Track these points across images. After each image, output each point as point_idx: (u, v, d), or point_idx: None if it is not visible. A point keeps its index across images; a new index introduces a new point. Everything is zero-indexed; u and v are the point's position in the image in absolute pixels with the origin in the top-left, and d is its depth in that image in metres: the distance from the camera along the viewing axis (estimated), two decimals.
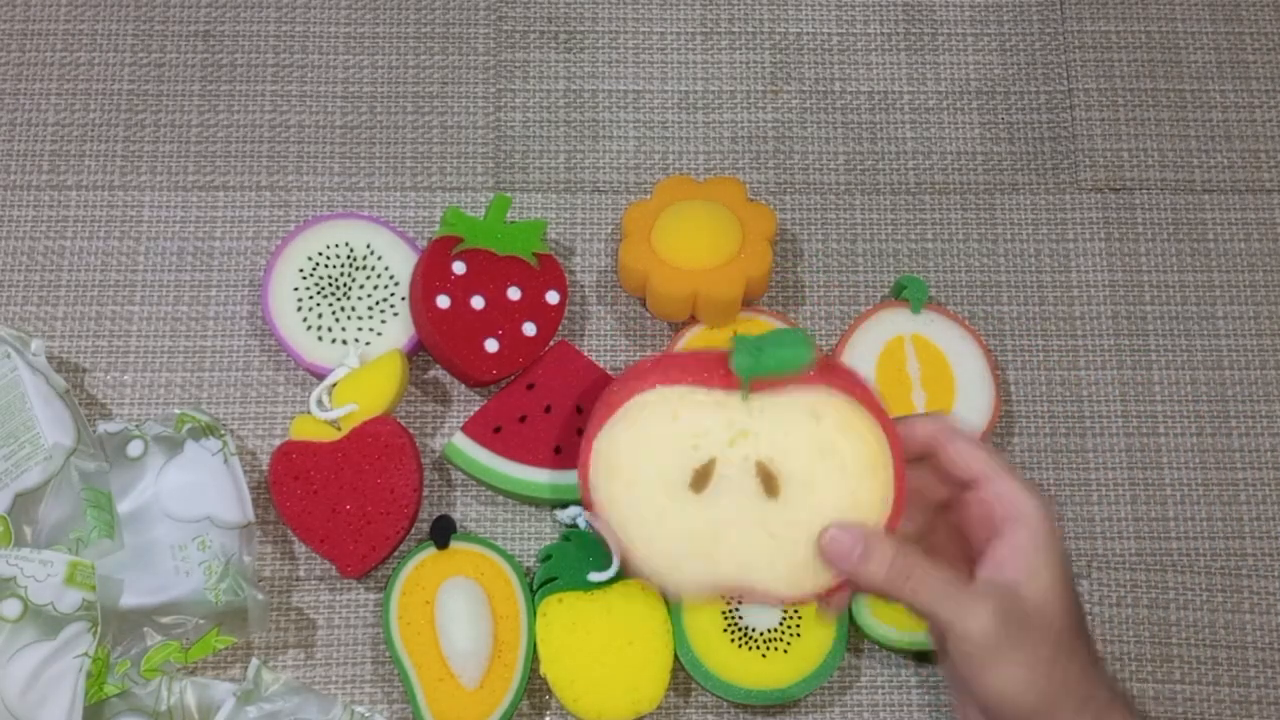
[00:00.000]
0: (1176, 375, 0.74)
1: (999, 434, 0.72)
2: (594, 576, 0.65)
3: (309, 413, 0.69)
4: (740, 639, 0.66)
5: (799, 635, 0.66)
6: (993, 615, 0.47)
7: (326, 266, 0.71)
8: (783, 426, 0.49)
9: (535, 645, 0.65)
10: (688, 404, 0.49)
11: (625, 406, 0.49)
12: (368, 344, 0.70)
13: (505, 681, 0.65)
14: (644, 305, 0.74)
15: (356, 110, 0.77)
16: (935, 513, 0.53)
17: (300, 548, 0.69)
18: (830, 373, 0.49)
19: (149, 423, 0.68)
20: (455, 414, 0.72)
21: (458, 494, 0.71)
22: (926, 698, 0.68)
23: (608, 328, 0.74)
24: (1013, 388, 0.73)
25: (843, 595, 0.51)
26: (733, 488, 0.49)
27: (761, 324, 0.72)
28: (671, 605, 0.66)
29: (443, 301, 0.68)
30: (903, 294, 0.72)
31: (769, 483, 0.49)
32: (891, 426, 0.49)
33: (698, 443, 0.49)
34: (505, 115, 0.78)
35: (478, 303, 0.69)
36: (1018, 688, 0.48)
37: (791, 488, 0.49)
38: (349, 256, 0.72)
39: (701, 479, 0.49)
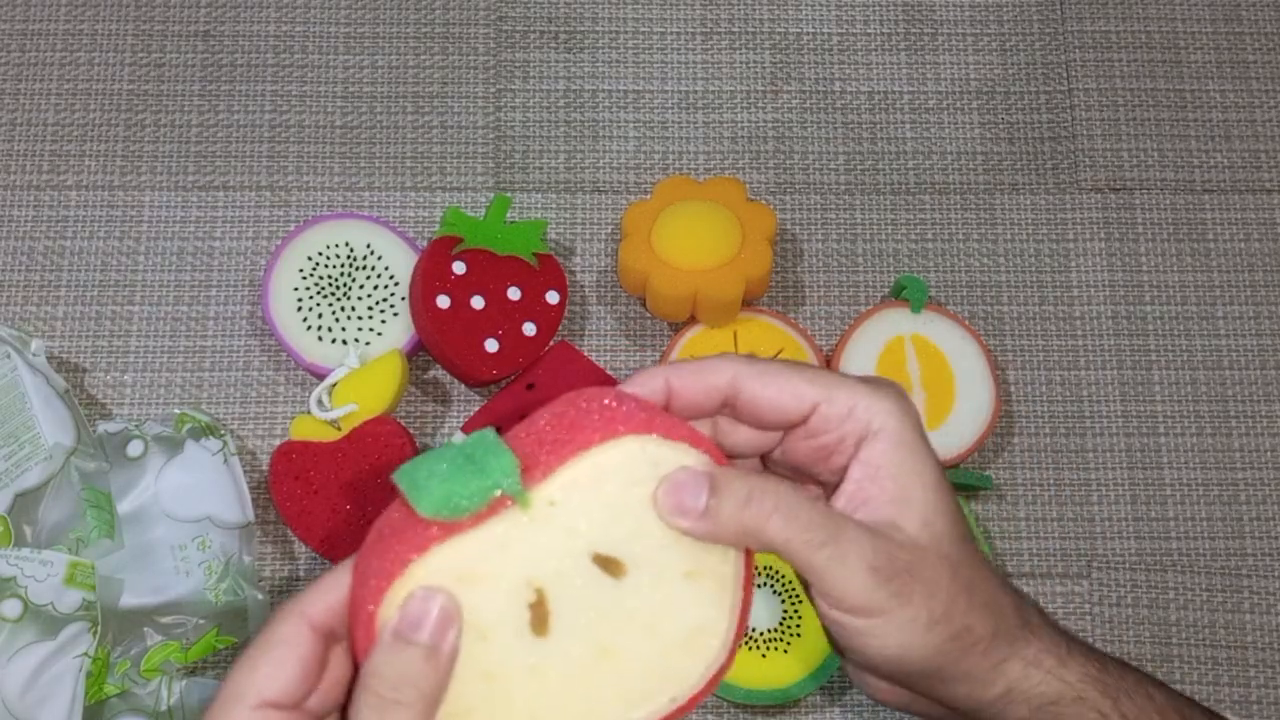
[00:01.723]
0: (1176, 375, 0.74)
1: (999, 434, 0.72)
2: None
3: (309, 413, 0.69)
4: None
5: (799, 635, 0.66)
6: (866, 575, 0.38)
7: (326, 266, 0.71)
8: (591, 508, 0.38)
9: None
10: (467, 560, 0.37)
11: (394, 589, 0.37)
12: (368, 344, 0.70)
13: None
14: (644, 305, 0.74)
15: (356, 110, 0.77)
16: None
17: (300, 548, 0.69)
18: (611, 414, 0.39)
19: (149, 423, 0.68)
20: (455, 414, 0.72)
21: None
22: None
23: (608, 328, 0.74)
24: (1013, 388, 0.73)
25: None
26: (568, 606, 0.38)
27: (762, 324, 0.72)
28: None
29: (443, 301, 0.68)
30: (903, 294, 0.72)
31: (611, 568, 0.38)
32: (704, 440, 0.40)
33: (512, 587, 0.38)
34: (505, 115, 0.78)
35: (478, 303, 0.69)
36: (909, 652, 0.39)
37: (636, 565, 0.38)
38: (349, 256, 0.72)
39: (540, 617, 0.38)
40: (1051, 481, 0.72)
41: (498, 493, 0.36)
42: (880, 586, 0.38)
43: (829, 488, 0.42)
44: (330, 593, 0.37)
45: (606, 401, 0.39)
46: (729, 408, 0.41)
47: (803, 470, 0.42)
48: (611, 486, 0.38)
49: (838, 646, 0.41)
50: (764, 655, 0.65)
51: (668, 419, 0.39)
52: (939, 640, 0.39)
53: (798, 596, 0.66)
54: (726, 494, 0.38)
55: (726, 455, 0.41)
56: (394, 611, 0.36)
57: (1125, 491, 0.72)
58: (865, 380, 0.40)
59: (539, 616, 0.37)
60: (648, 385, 0.40)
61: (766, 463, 0.44)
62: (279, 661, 0.36)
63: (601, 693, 0.38)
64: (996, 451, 0.72)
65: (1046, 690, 0.41)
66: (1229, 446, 0.73)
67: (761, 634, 0.66)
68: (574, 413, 0.39)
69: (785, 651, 0.66)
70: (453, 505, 0.36)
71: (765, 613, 0.66)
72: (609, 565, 0.38)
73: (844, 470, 0.40)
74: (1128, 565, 0.71)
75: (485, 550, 0.37)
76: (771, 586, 0.67)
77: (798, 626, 0.66)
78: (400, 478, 0.37)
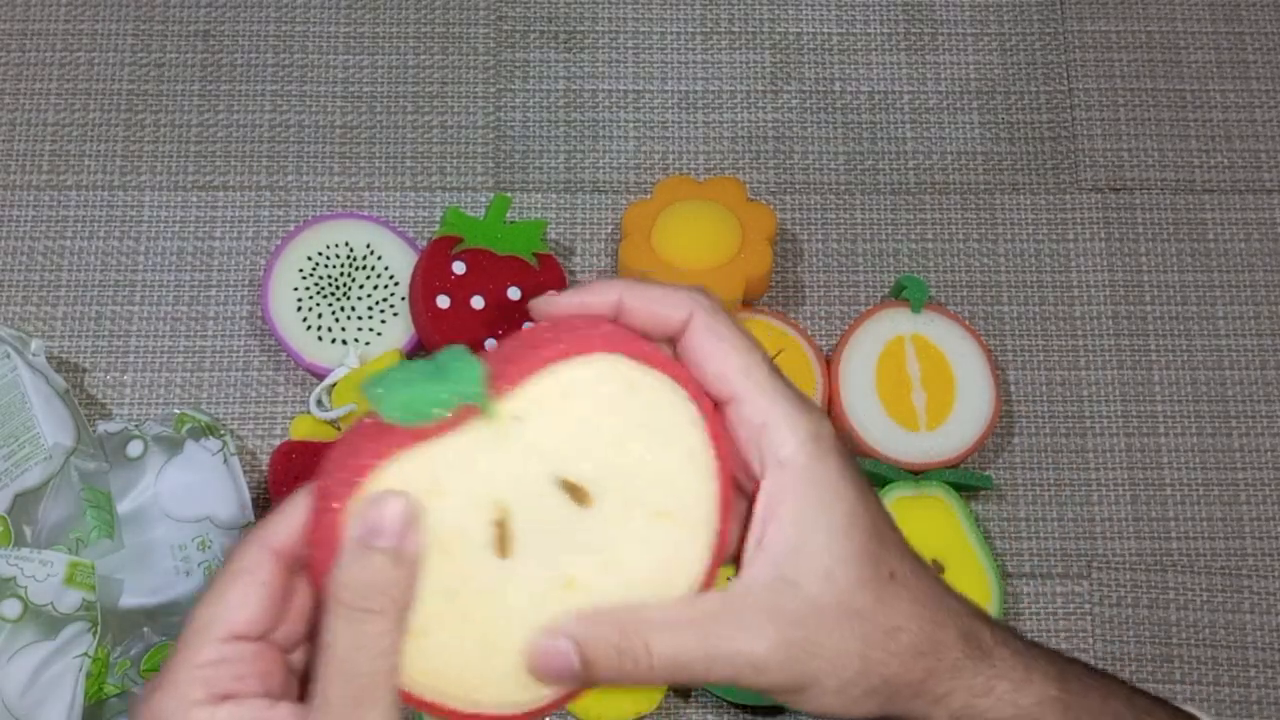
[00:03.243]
0: (1176, 375, 0.74)
1: (999, 434, 0.72)
2: None
3: (309, 413, 0.69)
4: None
5: None
6: (752, 673, 0.36)
7: (326, 266, 0.71)
8: (559, 428, 0.36)
9: None
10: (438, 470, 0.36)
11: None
12: (368, 344, 0.70)
13: None
14: None
15: (356, 110, 0.77)
16: None
17: None
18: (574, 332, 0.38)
19: (149, 423, 0.68)
20: None
21: None
22: None
23: None
24: (1013, 388, 0.73)
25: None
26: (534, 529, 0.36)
27: (762, 324, 0.72)
28: None
29: (443, 301, 0.68)
30: (903, 294, 0.72)
31: (577, 494, 0.36)
32: (681, 370, 0.38)
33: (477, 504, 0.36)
34: (505, 115, 0.78)
35: (478, 303, 0.69)
36: (827, 709, 0.38)
37: (604, 496, 0.37)
38: (349, 256, 0.72)
39: (503, 536, 0.36)
40: (1051, 481, 0.72)
41: (462, 401, 0.35)
42: (774, 674, 0.36)
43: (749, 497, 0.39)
44: (292, 518, 0.36)
45: (582, 322, 0.38)
46: (668, 344, 0.39)
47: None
48: (581, 407, 0.36)
49: None
50: None
51: (643, 344, 0.38)
52: (856, 695, 0.37)
53: None
54: (598, 657, 0.35)
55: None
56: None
57: (1125, 491, 0.72)
58: (791, 398, 0.37)
59: (502, 536, 0.36)
60: (600, 295, 0.39)
61: None
62: (245, 590, 0.35)
63: None
64: (996, 451, 0.72)
65: (998, 717, 0.39)
66: (1229, 446, 0.73)
67: None
68: (548, 330, 0.37)
69: None
70: (416, 410, 0.35)
71: None
72: (575, 492, 0.36)
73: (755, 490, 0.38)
74: (1128, 565, 0.71)
75: (449, 463, 0.35)
76: None
77: None
78: (367, 384, 0.35)
